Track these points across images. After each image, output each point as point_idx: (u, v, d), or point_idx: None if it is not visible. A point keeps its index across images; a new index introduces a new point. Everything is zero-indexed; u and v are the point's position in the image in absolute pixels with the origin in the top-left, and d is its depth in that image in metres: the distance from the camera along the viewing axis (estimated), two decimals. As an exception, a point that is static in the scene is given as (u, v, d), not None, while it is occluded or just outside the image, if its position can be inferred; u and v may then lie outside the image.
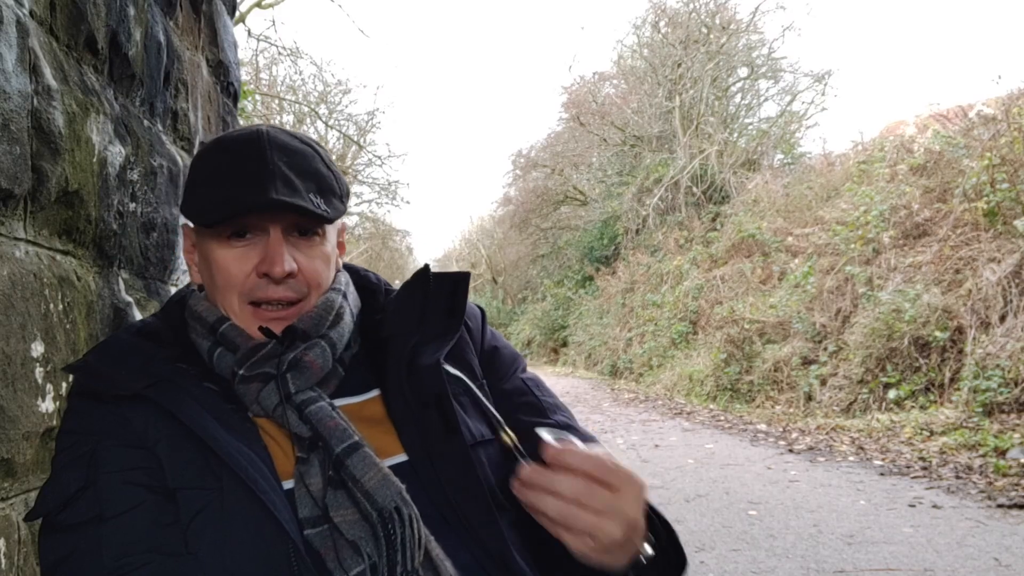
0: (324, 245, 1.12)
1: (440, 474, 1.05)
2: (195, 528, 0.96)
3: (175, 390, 1.04)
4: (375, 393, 1.14)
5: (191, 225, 1.19)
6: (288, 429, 1.05)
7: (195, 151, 2.70)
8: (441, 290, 1.20)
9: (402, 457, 1.07)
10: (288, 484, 1.02)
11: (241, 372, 1.06)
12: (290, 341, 1.09)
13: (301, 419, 1.04)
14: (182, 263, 2.53)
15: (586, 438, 1.16)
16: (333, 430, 1.03)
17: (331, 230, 1.15)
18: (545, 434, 0.97)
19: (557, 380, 15.69)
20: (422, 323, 1.17)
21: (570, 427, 1.20)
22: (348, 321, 1.15)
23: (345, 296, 1.17)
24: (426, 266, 1.23)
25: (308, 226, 1.09)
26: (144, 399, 1.03)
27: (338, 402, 1.09)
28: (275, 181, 1.04)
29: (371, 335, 1.19)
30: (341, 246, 1.23)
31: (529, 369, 1.32)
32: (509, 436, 1.02)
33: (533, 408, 1.21)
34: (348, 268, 1.28)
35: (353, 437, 1.03)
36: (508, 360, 1.27)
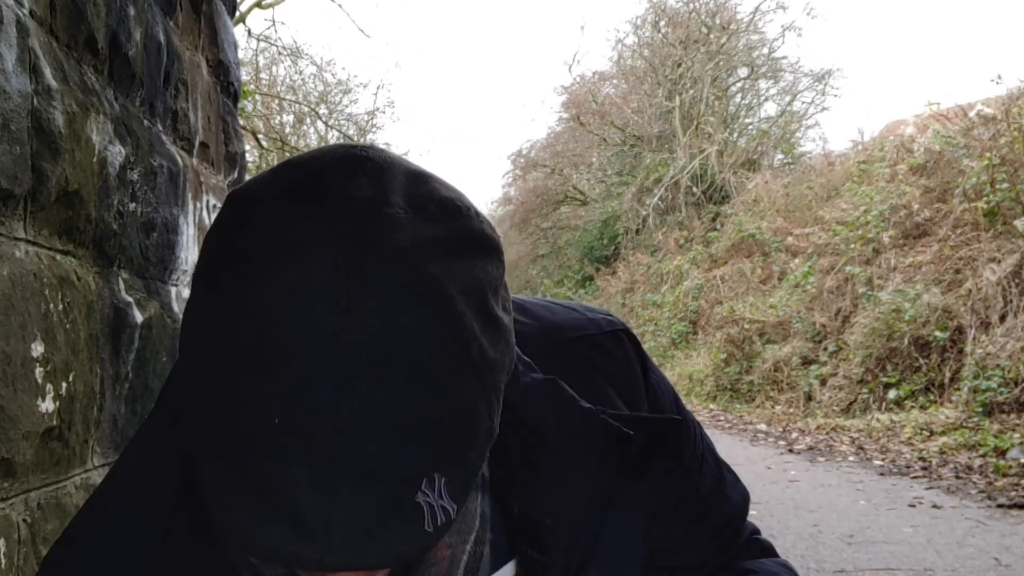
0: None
1: None
2: None
3: None
4: (509, 573, 0.71)
5: None
6: None
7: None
8: (637, 449, 0.71)
9: None
10: None
11: None
12: None
13: None
14: (182, 262, 2.53)
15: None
16: None
17: None
18: None
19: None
20: (598, 509, 0.70)
21: (728, 522, 0.85)
22: (488, 541, 0.68)
23: (486, 485, 0.67)
24: (626, 434, 0.70)
25: None
26: None
27: None
28: (327, 506, 0.46)
29: (507, 482, 0.69)
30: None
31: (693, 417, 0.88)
32: None
33: (693, 525, 0.82)
34: None
35: None
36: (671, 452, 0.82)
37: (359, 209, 0.50)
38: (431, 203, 0.53)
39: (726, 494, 0.86)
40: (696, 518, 0.83)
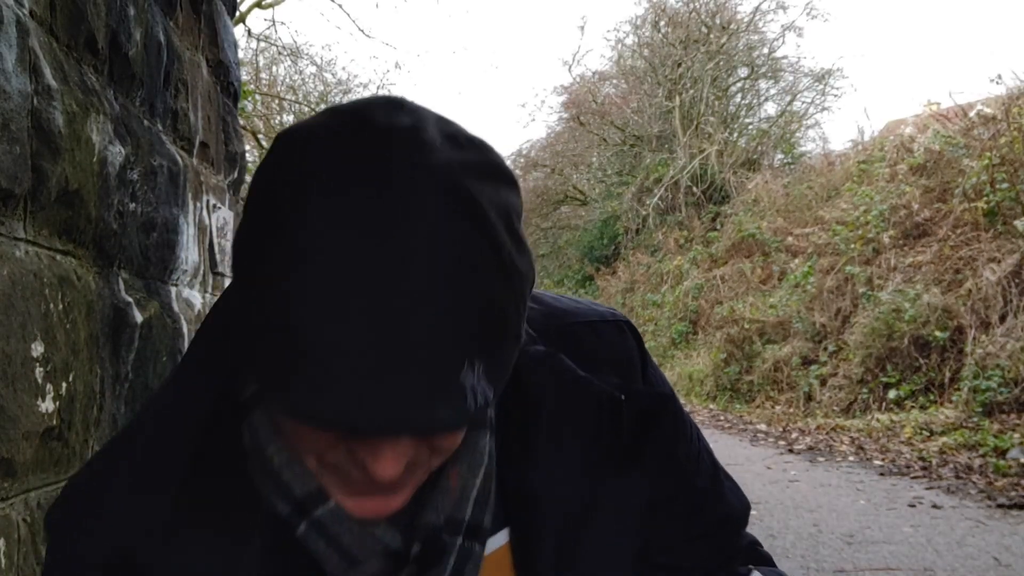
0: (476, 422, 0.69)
1: None
2: None
3: None
4: (503, 540, 0.74)
5: None
6: None
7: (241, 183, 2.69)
8: (630, 424, 0.76)
9: None
10: None
11: None
12: (435, 555, 0.67)
13: None
14: (182, 262, 2.52)
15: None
16: None
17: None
18: None
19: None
20: (591, 481, 0.74)
21: (726, 521, 0.88)
22: (494, 486, 0.71)
23: (493, 427, 0.72)
24: (618, 398, 0.75)
25: None
26: None
27: None
28: (385, 373, 0.52)
29: (503, 451, 0.73)
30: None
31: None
32: None
33: (688, 517, 0.85)
34: None
35: None
36: (666, 442, 0.84)
37: (401, 135, 0.56)
38: (461, 137, 0.59)
39: (723, 494, 0.88)
40: (692, 513, 0.84)
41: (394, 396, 0.52)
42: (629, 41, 22.29)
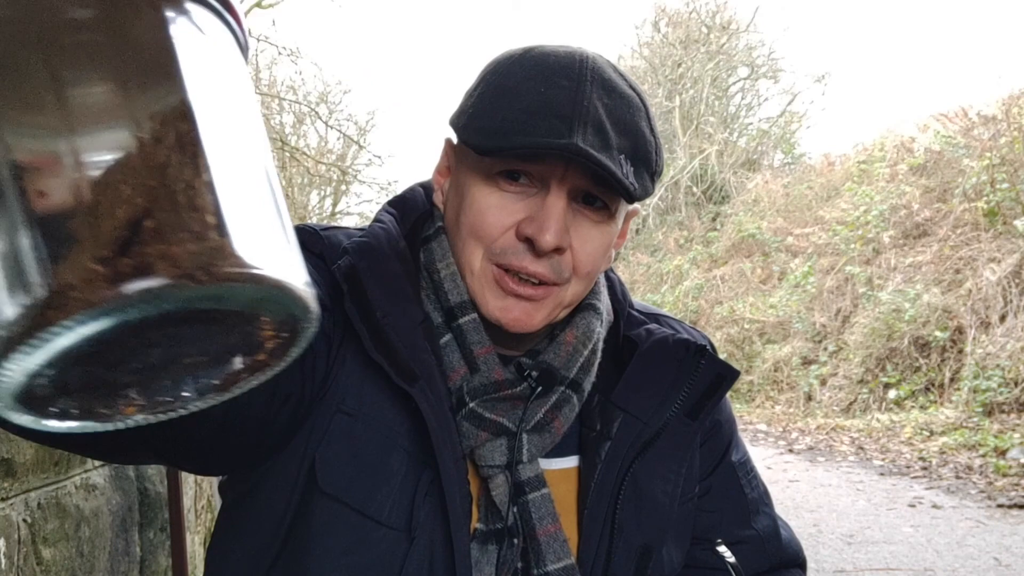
0: (610, 226, 0.83)
1: None
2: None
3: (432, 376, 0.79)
4: (573, 463, 0.88)
5: (454, 141, 0.88)
6: (488, 492, 0.82)
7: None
8: (701, 381, 0.90)
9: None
10: None
11: (472, 406, 0.80)
12: (546, 387, 0.83)
13: (513, 500, 0.81)
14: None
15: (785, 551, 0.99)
16: (550, 540, 0.81)
17: (622, 210, 0.85)
18: None
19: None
20: (661, 417, 0.88)
21: (774, 537, 0.99)
22: (598, 360, 0.89)
23: (602, 322, 0.90)
24: (703, 347, 0.91)
25: (601, 195, 0.80)
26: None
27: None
28: (585, 125, 0.75)
29: (601, 373, 0.90)
30: (622, 236, 0.91)
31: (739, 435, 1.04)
32: None
33: (735, 512, 0.98)
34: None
35: (570, 556, 0.81)
36: (725, 438, 0.99)
37: (595, 53, 0.83)
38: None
39: (774, 517, 1.00)
40: (742, 519, 0.97)
41: (576, 136, 0.74)
42: (629, 41, 22.26)
